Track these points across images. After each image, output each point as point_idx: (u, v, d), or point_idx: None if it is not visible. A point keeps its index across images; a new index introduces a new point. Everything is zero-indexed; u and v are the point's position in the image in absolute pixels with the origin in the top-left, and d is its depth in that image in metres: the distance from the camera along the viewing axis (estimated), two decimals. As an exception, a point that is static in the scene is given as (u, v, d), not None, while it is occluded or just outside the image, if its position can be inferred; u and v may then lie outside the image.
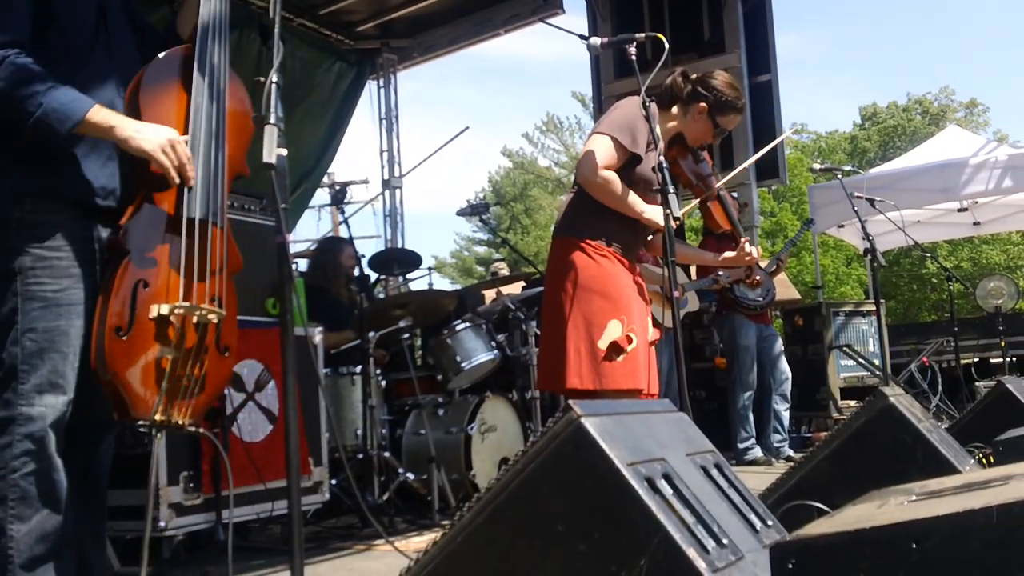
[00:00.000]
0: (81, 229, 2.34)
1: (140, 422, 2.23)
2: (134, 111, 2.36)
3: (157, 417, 2.24)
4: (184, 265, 2.34)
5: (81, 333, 2.30)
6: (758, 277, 4.15)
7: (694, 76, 3.53)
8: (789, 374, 6.74)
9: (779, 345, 6.79)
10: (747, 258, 3.74)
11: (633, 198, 3.31)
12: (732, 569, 1.68)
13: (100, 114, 2.27)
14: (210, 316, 2.36)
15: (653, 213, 3.29)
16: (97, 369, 2.22)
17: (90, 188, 2.36)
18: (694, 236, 12.01)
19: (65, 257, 2.29)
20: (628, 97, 3.41)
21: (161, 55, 2.45)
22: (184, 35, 2.58)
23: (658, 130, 3.33)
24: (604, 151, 3.28)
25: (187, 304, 2.31)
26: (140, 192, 2.36)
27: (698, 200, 3.68)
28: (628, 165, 3.34)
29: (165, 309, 2.27)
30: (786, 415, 6.74)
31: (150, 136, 2.30)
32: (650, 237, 3.56)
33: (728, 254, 3.79)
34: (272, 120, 2.11)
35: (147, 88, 2.39)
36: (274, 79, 2.14)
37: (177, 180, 2.34)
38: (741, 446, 6.55)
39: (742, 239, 3.74)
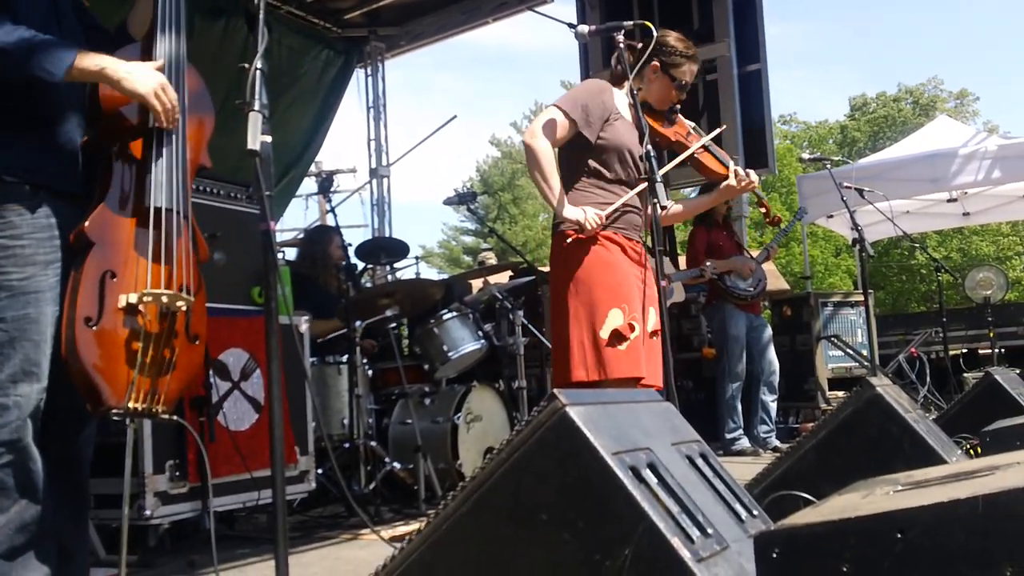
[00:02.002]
0: (45, 216, 2.31)
1: (114, 411, 2.23)
2: (94, 103, 2.35)
3: (131, 405, 2.24)
4: (152, 254, 2.33)
5: (52, 320, 2.27)
6: (778, 216, 4.05)
7: (639, 44, 3.47)
8: (777, 365, 6.74)
9: (768, 335, 6.78)
10: (746, 183, 3.59)
11: (554, 180, 3.30)
12: (717, 558, 1.68)
13: (87, 57, 2.25)
14: (179, 304, 2.35)
15: (571, 212, 3.28)
16: (68, 360, 2.20)
17: (55, 170, 2.34)
18: (682, 226, 11.99)
19: (29, 245, 2.27)
20: (592, 78, 3.39)
21: (124, 47, 2.42)
22: (136, 35, 2.55)
23: (645, 120, 3.31)
24: (549, 122, 3.30)
25: (155, 292, 2.30)
26: (105, 181, 2.34)
27: (684, 154, 3.59)
28: (584, 149, 3.35)
29: (134, 298, 2.27)
30: (773, 406, 6.74)
31: (142, 78, 2.29)
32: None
33: (729, 182, 3.62)
34: (256, 107, 2.10)
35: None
36: (259, 66, 2.12)
37: (166, 125, 2.35)
38: (728, 436, 6.56)
39: (733, 168, 3.60)
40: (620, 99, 3.48)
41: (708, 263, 6.55)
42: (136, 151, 2.37)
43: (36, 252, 2.28)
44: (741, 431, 6.59)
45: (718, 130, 3.86)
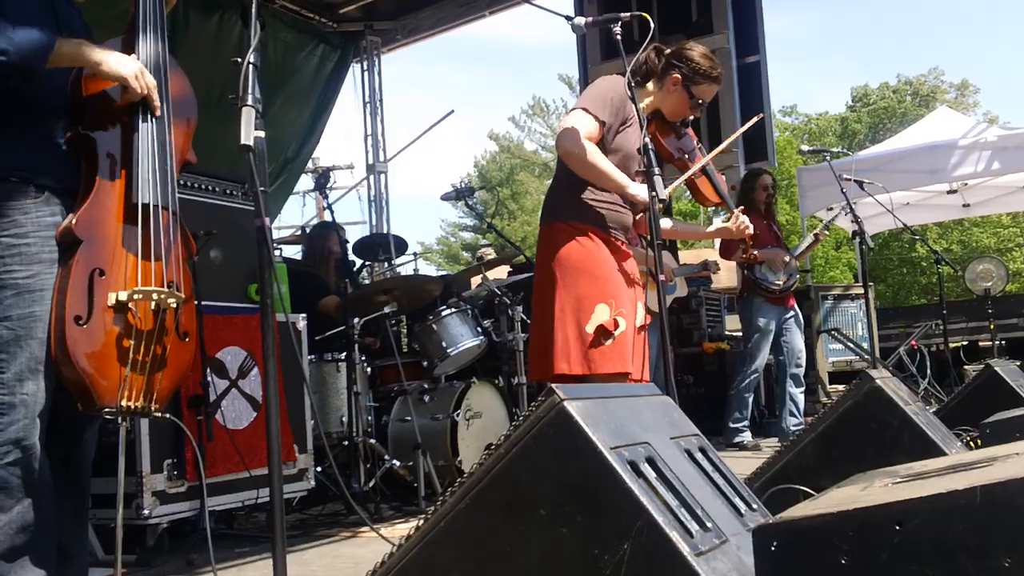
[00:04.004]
0: (50, 214, 2.31)
1: (107, 410, 2.23)
2: (76, 91, 2.35)
3: (123, 403, 2.24)
4: (141, 251, 2.33)
5: None
6: (755, 253, 4.11)
7: (667, 50, 3.51)
8: (804, 359, 6.59)
9: (798, 329, 6.60)
10: (741, 228, 3.69)
11: (616, 171, 3.26)
12: (716, 552, 1.67)
13: (67, 43, 2.27)
14: (169, 300, 2.35)
15: (637, 189, 3.25)
16: (58, 359, 2.20)
17: (57, 169, 2.34)
18: (682, 219, 11.97)
19: (34, 243, 2.27)
20: (606, 75, 3.39)
21: (106, 42, 2.42)
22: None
23: (642, 110, 3.30)
24: (585, 123, 3.25)
25: (145, 289, 2.30)
26: (91, 179, 2.34)
27: (683, 176, 3.63)
28: (605, 144, 3.32)
29: (123, 295, 2.26)
30: (801, 398, 6.57)
31: (121, 60, 2.33)
32: (638, 217, 3.50)
33: (718, 223, 3.76)
34: (249, 101, 2.09)
35: (89, 74, 2.36)
36: (251, 60, 2.11)
37: (149, 99, 2.37)
38: (732, 426, 6.49)
39: (736, 209, 3.72)
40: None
41: (711, 259, 6.53)
42: (121, 147, 2.37)
43: (41, 250, 2.27)
44: (747, 424, 6.52)
45: (741, 130, 3.90)
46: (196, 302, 2.61)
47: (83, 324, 2.20)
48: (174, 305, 2.36)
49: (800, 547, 1.38)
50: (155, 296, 2.31)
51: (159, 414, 2.34)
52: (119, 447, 2.31)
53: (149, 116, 2.41)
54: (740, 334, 8.20)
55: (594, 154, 3.23)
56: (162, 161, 2.40)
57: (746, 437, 6.48)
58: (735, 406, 6.53)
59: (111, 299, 2.25)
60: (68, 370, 2.19)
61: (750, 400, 6.56)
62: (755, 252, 4.09)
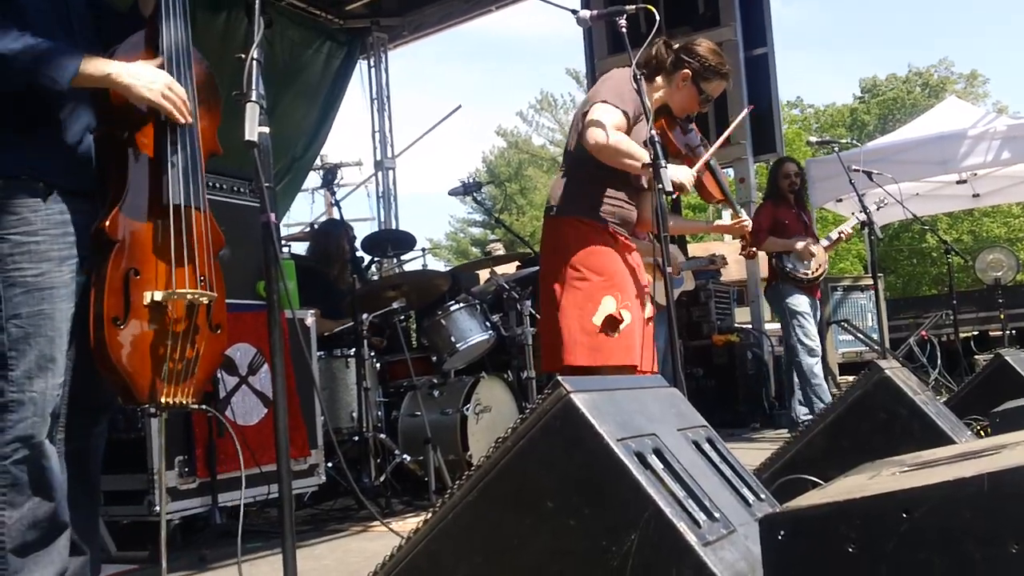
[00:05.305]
0: (60, 212, 2.31)
1: (146, 406, 2.31)
2: (105, 99, 2.34)
3: (162, 400, 2.31)
4: (174, 250, 2.36)
5: (68, 316, 2.29)
6: (753, 250, 4.14)
7: (677, 45, 3.51)
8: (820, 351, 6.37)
9: (819, 319, 6.44)
10: (741, 225, 3.74)
11: (640, 151, 3.20)
12: (723, 542, 1.67)
13: (93, 63, 2.25)
14: (201, 299, 2.39)
15: (674, 172, 3.23)
16: (99, 360, 2.25)
17: (66, 168, 2.34)
18: (691, 212, 11.95)
19: (44, 241, 2.28)
20: (617, 69, 3.39)
21: (129, 38, 2.42)
22: (147, 14, 2.55)
23: (648, 103, 3.30)
24: (611, 115, 3.23)
25: (180, 291, 2.35)
26: (122, 179, 2.35)
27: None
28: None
29: (159, 295, 2.31)
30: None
31: (149, 83, 2.30)
32: (647, 216, 3.51)
33: (720, 222, 3.80)
34: (254, 97, 2.09)
35: None
36: (255, 56, 2.11)
37: (182, 121, 2.37)
38: (803, 419, 6.04)
39: (736, 206, 3.75)
40: None
41: (719, 254, 6.49)
42: (150, 146, 2.38)
43: (51, 248, 2.28)
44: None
45: (733, 125, 3.91)
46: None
47: (121, 325, 2.25)
48: (206, 302, 2.40)
49: (807, 536, 1.38)
50: (188, 296, 2.35)
51: (196, 406, 2.42)
52: (150, 442, 2.36)
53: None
54: (750, 326, 8.21)
55: (626, 143, 3.21)
56: (192, 159, 2.42)
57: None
58: (812, 397, 6.11)
59: (147, 299, 2.29)
60: (108, 369, 2.25)
61: (824, 391, 6.15)
62: (753, 249, 4.11)
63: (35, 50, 2.18)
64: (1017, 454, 1.41)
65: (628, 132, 3.28)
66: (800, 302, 6.25)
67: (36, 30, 2.22)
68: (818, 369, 6.21)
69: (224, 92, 2.64)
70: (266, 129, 2.08)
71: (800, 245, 6.24)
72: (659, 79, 3.54)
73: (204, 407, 2.50)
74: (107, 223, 2.27)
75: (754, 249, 4.13)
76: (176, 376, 2.34)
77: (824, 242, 6.44)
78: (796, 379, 6.35)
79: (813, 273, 6.30)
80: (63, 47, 2.24)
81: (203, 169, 2.47)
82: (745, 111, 4.42)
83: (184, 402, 2.36)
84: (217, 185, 3.99)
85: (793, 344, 6.27)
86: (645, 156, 3.21)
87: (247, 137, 2.04)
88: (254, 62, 2.09)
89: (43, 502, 2.24)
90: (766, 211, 6.44)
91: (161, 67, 2.38)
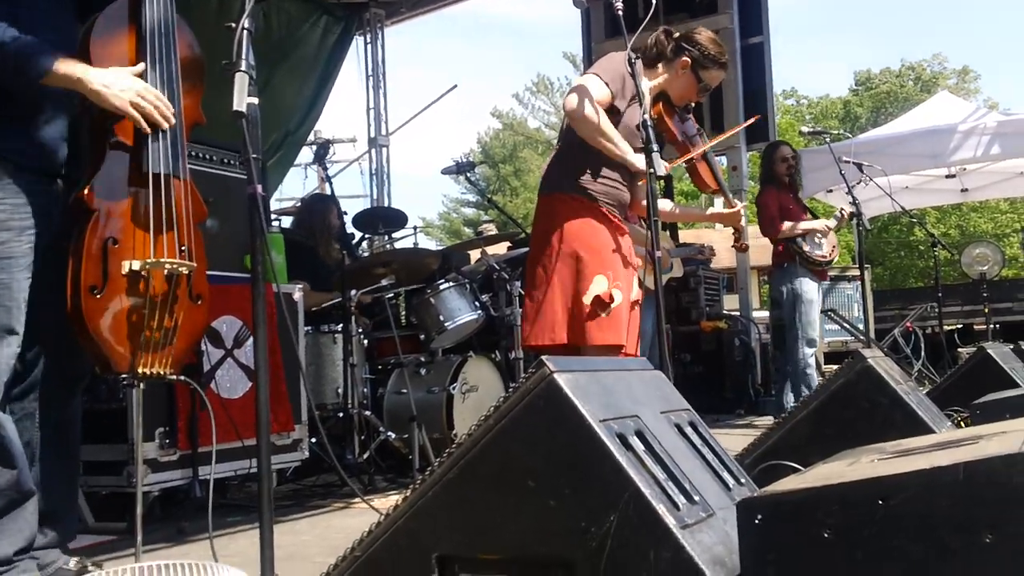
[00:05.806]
0: (26, 183, 2.30)
1: (123, 375, 2.28)
2: (84, 61, 2.32)
3: (140, 369, 2.30)
4: (153, 219, 2.34)
5: (25, 287, 2.28)
6: (745, 243, 4.14)
7: (677, 33, 3.52)
8: (818, 341, 6.29)
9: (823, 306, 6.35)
10: (735, 214, 3.75)
11: (620, 139, 3.25)
12: (702, 525, 1.67)
13: (67, 65, 2.24)
14: (181, 268, 2.37)
15: (636, 158, 3.25)
16: (76, 328, 2.23)
17: (34, 153, 2.33)
18: (684, 199, 11.95)
19: (3, 211, 2.26)
20: (615, 52, 3.39)
21: (112, 6, 2.40)
22: None
23: (644, 87, 3.29)
24: (597, 87, 3.24)
25: (159, 261, 2.33)
26: (101, 149, 2.34)
27: (684, 158, 3.65)
28: (615, 117, 3.32)
29: (137, 265, 2.30)
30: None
31: (119, 91, 2.28)
32: (640, 200, 3.51)
33: (714, 209, 3.80)
34: (243, 67, 2.07)
35: (97, 39, 2.35)
36: (245, 25, 2.09)
37: (148, 130, 2.33)
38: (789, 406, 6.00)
39: (730, 196, 3.76)
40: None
41: (707, 244, 6.48)
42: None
43: (11, 218, 2.27)
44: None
45: (737, 128, 3.91)
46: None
47: (98, 294, 2.24)
48: (186, 272, 2.39)
49: (784, 520, 1.38)
50: (168, 266, 2.34)
51: (174, 377, 2.39)
52: (130, 413, 2.35)
53: (158, 85, 2.38)
54: (738, 313, 8.24)
55: (600, 118, 3.22)
56: (174, 129, 2.40)
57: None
58: (802, 385, 5.95)
59: (125, 268, 2.28)
60: (85, 338, 2.23)
61: (815, 379, 5.97)
62: (745, 243, 4.12)
63: (17, 43, 2.18)
64: (994, 444, 1.42)
65: (616, 112, 3.29)
66: (809, 288, 6.07)
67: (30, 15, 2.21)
68: (812, 360, 6.11)
69: (217, 65, 2.62)
70: (255, 100, 2.07)
71: (821, 224, 6.08)
72: (659, 66, 3.55)
73: (184, 378, 2.46)
74: (85, 192, 2.26)
75: (746, 243, 4.13)
76: (153, 345, 2.32)
77: (831, 222, 6.25)
78: (787, 366, 6.24)
79: (829, 255, 6.14)
80: (39, 45, 2.22)
81: (185, 139, 2.46)
82: (751, 120, 4.44)
83: (162, 372, 2.34)
84: (207, 156, 3.96)
85: (794, 332, 6.09)
86: (623, 145, 3.22)
87: (235, 107, 2.03)
88: (244, 32, 2.07)
89: (3, 470, 2.23)
90: (771, 197, 6.18)
91: (143, 75, 2.37)
